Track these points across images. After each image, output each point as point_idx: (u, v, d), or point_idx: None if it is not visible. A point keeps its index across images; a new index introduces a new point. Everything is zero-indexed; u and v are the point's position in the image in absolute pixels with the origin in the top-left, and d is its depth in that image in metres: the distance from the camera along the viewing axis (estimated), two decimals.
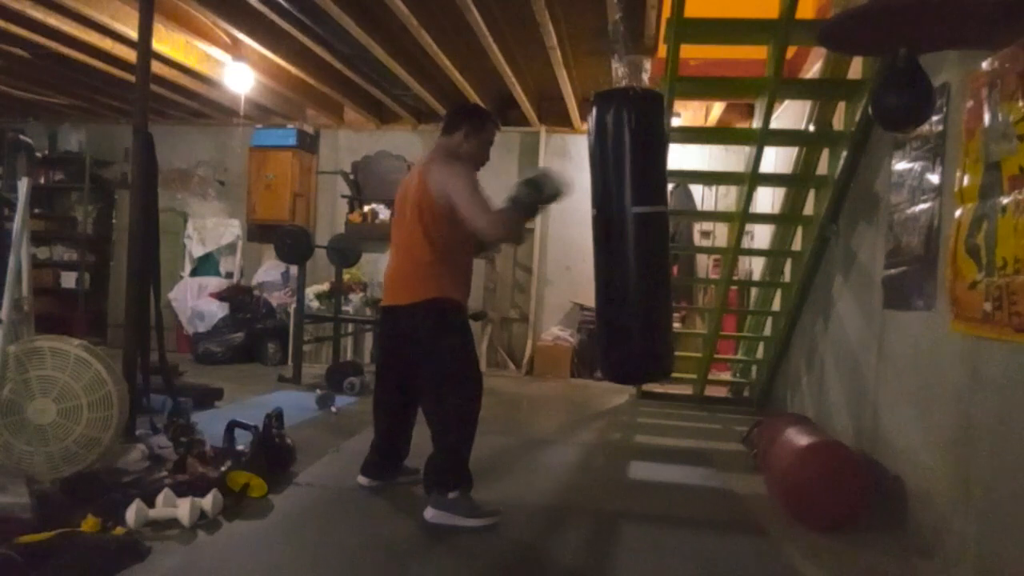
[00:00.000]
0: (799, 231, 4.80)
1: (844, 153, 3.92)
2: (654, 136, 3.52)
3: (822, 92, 4.30)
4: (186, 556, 2.35)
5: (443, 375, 2.86)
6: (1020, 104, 2.22)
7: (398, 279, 2.95)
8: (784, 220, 4.96)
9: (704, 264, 7.28)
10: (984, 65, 2.47)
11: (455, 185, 2.77)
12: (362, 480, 3.17)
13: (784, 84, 4.13)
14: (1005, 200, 2.26)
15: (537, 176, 2.91)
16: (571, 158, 7.34)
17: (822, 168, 4.36)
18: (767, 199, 5.85)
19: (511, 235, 3.01)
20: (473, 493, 2.86)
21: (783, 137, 4.97)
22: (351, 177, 7.66)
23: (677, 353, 6.12)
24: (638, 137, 3.39)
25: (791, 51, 4.67)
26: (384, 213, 7.48)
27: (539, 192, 2.86)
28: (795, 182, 4.75)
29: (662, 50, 4.79)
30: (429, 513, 2.80)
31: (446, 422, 2.86)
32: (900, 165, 3.24)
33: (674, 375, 5.90)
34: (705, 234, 7.30)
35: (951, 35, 2.50)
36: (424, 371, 2.91)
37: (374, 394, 3.21)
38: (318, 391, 5.00)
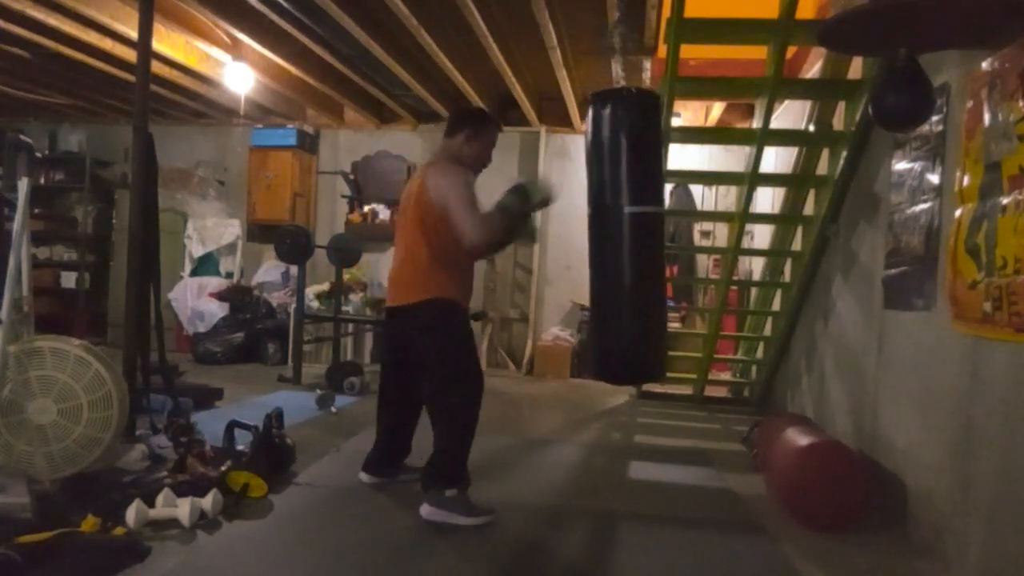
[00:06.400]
0: (799, 231, 4.80)
1: (844, 153, 3.92)
2: (651, 136, 3.53)
3: (822, 92, 4.30)
4: (186, 556, 2.35)
5: (442, 375, 2.90)
6: (1020, 104, 2.22)
7: (401, 281, 3.00)
8: (784, 220, 4.96)
9: (704, 264, 7.29)
10: (984, 65, 2.47)
11: (451, 190, 2.80)
12: (363, 477, 3.21)
13: (784, 84, 4.12)
14: (1005, 200, 2.26)
15: (526, 184, 2.89)
16: (571, 158, 7.34)
17: (822, 168, 4.36)
18: (767, 199, 5.85)
19: (493, 241, 2.86)
20: (473, 492, 2.87)
21: (783, 137, 4.97)
22: (351, 177, 7.66)
23: (677, 353, 6.16)
24: (635, 137, 3.40)
25: (791, 51, 4.67)
26: (384, 213, 7.48)
27: (527, 200, 2.83)
28: (795, 182, 4.75)
29: (662, 50, 4.79)
30: (425, 510, 2.81)
31: (445, 421, 2.90)
32: (900, 165, 3.24)
33: (674, 375, 5.94)
34: (705, 234, 7.30)
35: (951, 35, 2.50)
36: (425, 371, 2.96)
37: (379, 391, 3.25)
38: (318, 391, 5.00)
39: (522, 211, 2.86)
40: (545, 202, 2.92)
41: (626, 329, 3.47)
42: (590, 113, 3.49)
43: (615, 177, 3.41)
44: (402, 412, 3.19)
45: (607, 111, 3.44)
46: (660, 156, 3.71)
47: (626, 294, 3.43)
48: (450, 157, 2.99)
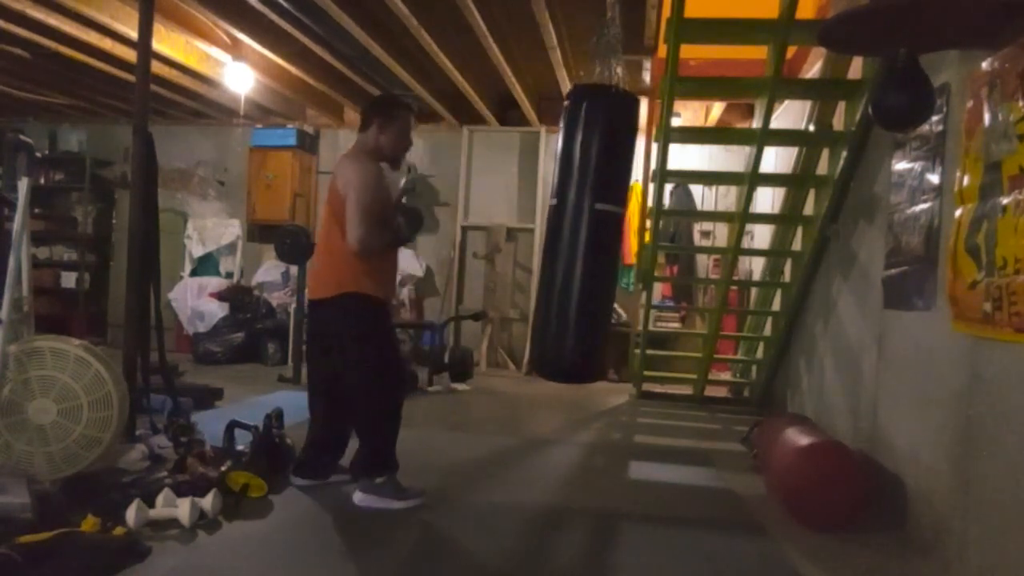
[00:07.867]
0: (799, 231, 4.80)
1: (844, 153, 3.92)
2: (624, 136, 3.54)
3: (822, 92, 4.30)
4: (186, 556, 2.35)
5: (360, 368, 2.94)
6: (1020, 104, 2.22)
7: (319, 273, 3.02)
8: (784, 220, 4.96)
9: (704, 264, 7.29)
10: (984, 65, 2.47)
11: (352, 187, 2.83)
12: (296, 481, 3.13)
13: (784, 84, 4.13)
14: (1005, 200, 2.26)
15: (421, 210, 3.27)
16: None
17: (822, 168, 4.36)
18: (767, 199, 5.85)
19: (371, 256, 2.91)
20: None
21: (783, 137, 4.97)
22: None
23: (677, 353, 6.17)
24: (608, 135, 3.42)
25: (791, 51, 4.67)
26: None
27: (418, 228, 3.16)
28: (795, 182, 4.75)
29: (662, 50, 4.79)
30: (358, 497, 2.91)
31: (367, 413, 2.98)
32: (900, 165, 3.24)
33: (674, 375, 5.95)
34: (705, 234, 7.30)
35: (951, 35, 2.50)
36: (344, 363, 2.99)
37: (308, 383, 3.26)
38: None
39: (411, 237, 3.19)
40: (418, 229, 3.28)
41: (572, 327, 3.50)
42: (566, 106, 3.51)
43: (583, 172, 3.43)
44: (332, 408, 3.10)
45: (583, 106, 3.45)
46: (630, 158, 3.71)
47: (576, 291, 3.46)
48: (367, 151, 2.99)
